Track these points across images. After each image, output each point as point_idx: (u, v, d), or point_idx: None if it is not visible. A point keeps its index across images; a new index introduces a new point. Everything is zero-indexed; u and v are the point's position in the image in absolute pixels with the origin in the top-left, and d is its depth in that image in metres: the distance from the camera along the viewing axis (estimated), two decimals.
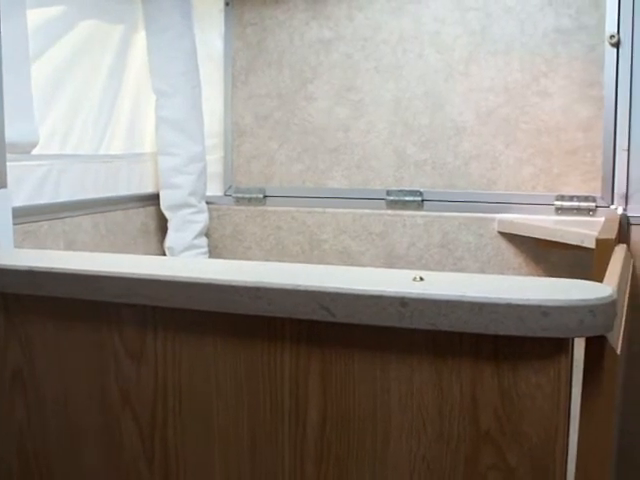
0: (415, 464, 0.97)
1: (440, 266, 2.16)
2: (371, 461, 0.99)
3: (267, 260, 2.31)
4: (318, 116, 2.28)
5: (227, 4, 2.38)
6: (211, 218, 2.39)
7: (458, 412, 0.95)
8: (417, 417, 0.96)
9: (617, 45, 1.99)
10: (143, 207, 2.32)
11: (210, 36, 2.41)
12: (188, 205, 2.31)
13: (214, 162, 2.42)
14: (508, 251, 2.12)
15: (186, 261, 1.47)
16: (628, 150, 2.00)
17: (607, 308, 0.88)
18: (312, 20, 2.27)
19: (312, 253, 2.29)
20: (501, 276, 1.00)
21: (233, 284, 1.00)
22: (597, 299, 0.88)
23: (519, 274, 2.10)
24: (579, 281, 0.96)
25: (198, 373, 1.08)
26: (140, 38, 2.29)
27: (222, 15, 2.40)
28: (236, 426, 1.06)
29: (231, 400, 1.06)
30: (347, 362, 0.98)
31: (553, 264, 2.08)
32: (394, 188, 2.22)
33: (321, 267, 1.11)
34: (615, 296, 0.91)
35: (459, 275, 1.02)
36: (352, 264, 2.24)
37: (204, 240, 2.37)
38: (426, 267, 2.18)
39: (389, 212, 2.22)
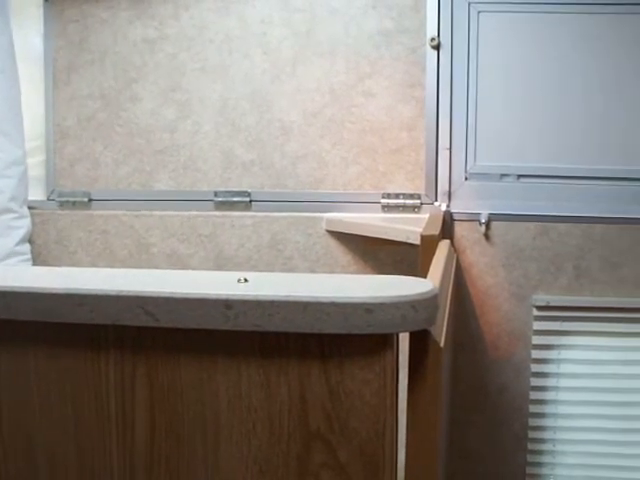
0: (247, 466, 0.97)
1: (270, 266, 2.16)
2: (203, 466, 0.97)
3: (94, 265, 2.24)
4: (144, 117, 2.22)
5: (46, 0, 2.29)
6: (34, 224, 2.29)
7: (287, 412, 0.94)
8: (247, 419, 0.95)
9: (437, 48, 2.06)
10: None
11: (28, 33, 2.30)
12: (9, 210, 2.20)
13: (35, 165, 2.32)
14: (337, 249, 2.15)
15: (4, 268, 1.40)
16: (450, 149, 2.07)
17: (429, 303, 0.90)
18: (136, 19, 2.22)
19: (140, 257, 2.23)
20: (326, 275, 1.01)
21: (53, 292, 0.96)
22: (419, 294, 0.89)
23: (348, 272, 2.13)
24: (402, 277, 0.98)
25: (19, 388, 1.02)
26: None
27: (41, 11, 2.29)
28: (62, 440, 1.01)
29: (56, 414, 1.01)
30: (173, 367, 0.96)
31: (381, 261, 2.12)
32: (222, 189, 2.20)
33: (145, 271, 1.08)
34: (436, 291, 0.93)
35: (284, 275, 1.02)
36: (181, 267, 2.20)
37: (27, 247, 2.26)
38: (256, 268, 2.17)
39: (217, 213, 2.20)
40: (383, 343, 0.91)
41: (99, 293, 0.94)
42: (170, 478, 0.98)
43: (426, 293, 0.90)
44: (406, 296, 0.88)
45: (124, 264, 2.23)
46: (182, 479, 0.98)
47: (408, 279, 0.96)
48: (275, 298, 0.88)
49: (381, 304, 0.87)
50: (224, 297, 0.89)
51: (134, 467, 0.99)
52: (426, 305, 0.90)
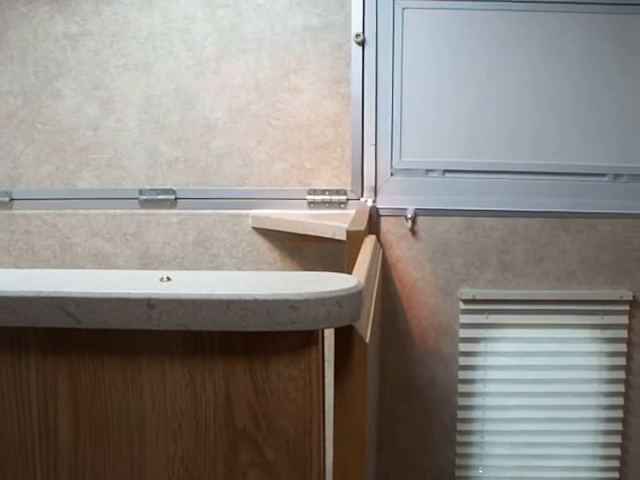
0: (174, 468, 0.95)
1: (196, 264, 2.14)
2: (129, 469, 0.96)
3: (17, 267, 2.19)
4: (66, 114, 2.18)
5: None
6: None
7: (213, 411, 0.93)
8: (172, 420, 0.94)
9: (362, 44, 2.06)
10: None
11: None
12: None
13: None
14: (263, 246, 2.14)
15: None
16: (375, 145, 2.08)
17: (353, 298, 0.90)
18: (57, 14, 2.17)
19: (64, 257, 2.19)
20: (250, 272, 1.00)
21: None
22: (343, 290, 0.89)
23: (275, 269, 2.13)
24: (326, 273, 0.97)
25: None
26: None
27: None
28: None
29: None
30: (96, 369, 0.94)
31: (307, 257, 2.12)
32: (147, 187, 2.17)
33: (65, 271, 1.06)
34: (361, 286, 0.93)
35: (208, 273, 1.01)
36: (107, 267, 2.16)
37: None
38: (182, 266, 2.15)
39: (142, 212, 2.16)
40: (308, 340, 0.91)
41: (18, 294, 0.91)
42: None
43: (350, 289, 0.90)
44: (330, 292, 0.88)
45: (48, 265, 2.19)
46: None
47: (332, 275, 0.96)
48: (198, 296, 0.87)
49: (305, 300, 0.86)
50: (146, 296, 0.88)
51: (58, 472, 0.97)
52: (350, 301, 0.89)
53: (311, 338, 0.91)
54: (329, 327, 0.91)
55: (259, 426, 0.93)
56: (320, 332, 0.93)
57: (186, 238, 2.15)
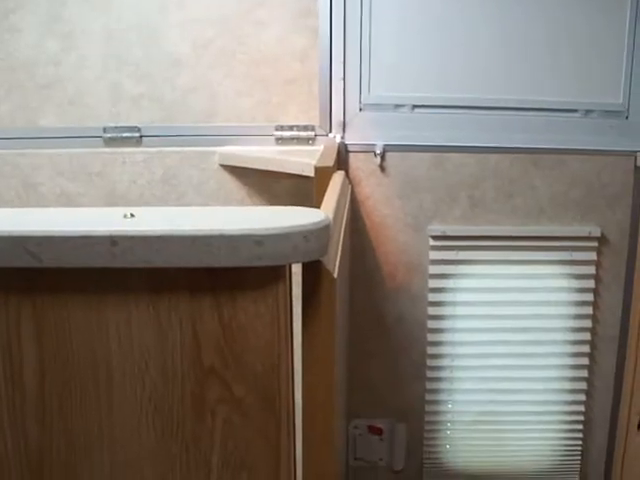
0: (142, 406, 0.94)
1: (163, 202, 2.11)
2: (97, 410, 0.94)
3: None
4: (25, 50, 2.11)
5: None
6: None
7: (180, 349, 0.92)
8: (139, 359, 0.93)
9: None
10: None
11: None
12: None
13: None
14: (231, 184, 2.11)
15: None
16: (344, 80, 2.05)
17: (320, 233, 0.89)
18: None
19: (28, 198, 2.14)
20: (216, 207, 0.98)
21: None
22: (310, 224, 0.88)
23: (243, 206, 2.10)
24: (293, 208, 0.96)
25: None
26: None
27: None
28: None
29: None
30: (61, 309, 0.92)
31: (276, 194, 2.10)
32: (111, 125, 2.12)
33: (26, 210, 1.03)
34: (328, 221, 0.91)
35: (172, 209, 0.99)
36: (72, 207, 2.13)
37: None
38: (149, 205, 2.10)
39: (107, 150, 2.12)
40: (275, 275, 0.89)
41: None
42: (63, 424, 0.95)
43: (318, 223, 0.88)
44: (297, 226, 0.86)
45: (11, 205, 2.14)
46: (75, 424, 0.95)
47: (299, 209, 0.95)
48: (162, 233, 0.85)
49: (271, 235, 0.85)
50: (109, 233, 0.85)
51: (25, 416, 0.96)
52: (318, 235, 0.88)
53: (278, 273, 0.90)
54: (296, 262, 0.90)
55: (227, 363, 0.92)
56: (287, 267, 0.92)
57: (152, 176, 2.11)
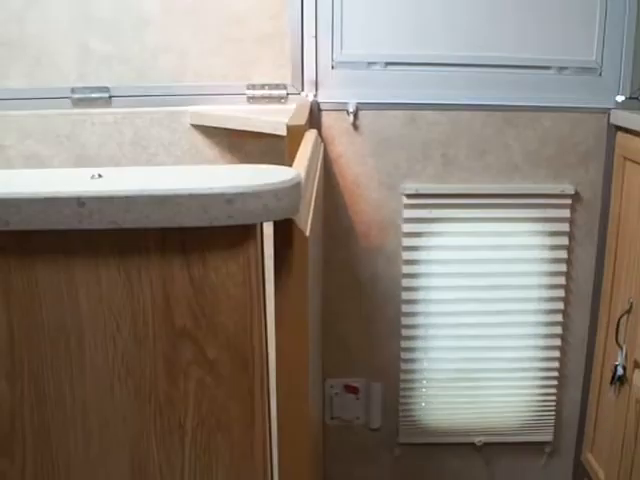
0: (114, 369, 0.93)
1: (134, 164, 2.07)
2: (68, 372, 0.93)
3: None
4: None
5: None
6: None
7: (151, 311, 0.91)
8: (110, 321, 0.92)
9: None
10: None
11: None
12: None
13: None
14: (202, 144, 2.08)
15: None
16: (316, 37, 2.02)
17: (291, 191, 0.88)
18: None
19: None
20: (185, 167, 0.97)
21: None
22: (281, 183, 0.87)
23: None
24: (263, 166, 0.95)
25: None
26: None
27: None
28: None
29: None
30: (29, 272, 0.91)
31: (248, 154, 2.07)
32: (79, 85, 2.08)
33: None
34: (299, 179, 0.90)
35: (141, 169, 0.98)
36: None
37: None
38: (119, 167, 2.08)
39: (76, 111, 2.07)
40: (246, 234, 0.88)
41: None
42: (35, 387, 0.94)
43: (289, 181, 0.87)
44: (268, 184, 0.85)
45: None
46: (47, 388, 0.94)
47: (270, 168, 0.93)
48: (130, 193, 0.83)
49: (242, 194, 0.84)
50: (76, 195, 0.84)
51: None
52: (289, 193, 0.87)
53: (249, 233, 0.89)
54: (267, 221, 0.89)
55: (199, 324, 0.91)
56: (258, 226, 0.91)
57: (123, 138, 2.08)
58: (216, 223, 0.84)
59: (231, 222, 0.85)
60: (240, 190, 0.84)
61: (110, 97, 2.07)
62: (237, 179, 0.87)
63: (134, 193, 0.83)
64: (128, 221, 0.84)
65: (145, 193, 0.83)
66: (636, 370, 1.89)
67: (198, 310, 0.91)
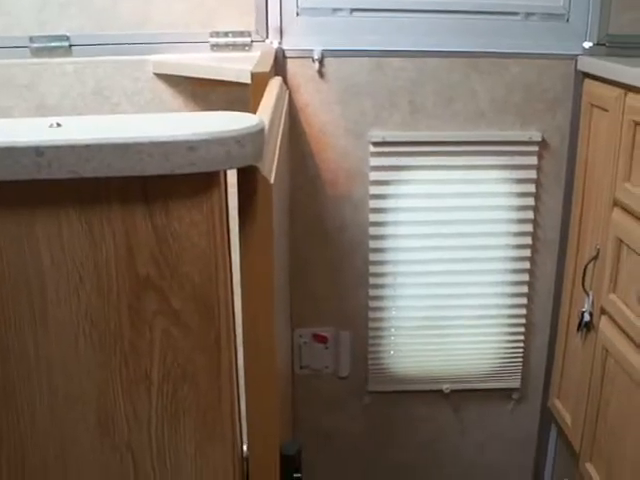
0: (78, 322, 0.92)
1: (96, 114, 2.03)
2: (32, 328, 0.92)
3: None
4: None
5: None
6: None
7: (114, 261, 0.90)
8: (72, 273, 0.90)
9: None
10: None
11: None
12: None
13: None
14: (166, 93, 2.04)
15: None
16: None
17: (255, 138, 0.86)
18: None
19: None
20: (148, 115, 0.94)
21: None
22: (244, 129, 0.85)
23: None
24: (226, 113, 0.93)
25: None
26: None
27: None
28: None
29: None
30: None
31: (212, 102, 2.04)
32: (38, 34, 2.02)
33: None
34: (262, 125, 0.89)
35: (101, 118, 0.95)
36: None
37: None
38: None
39: (35, 61, 2.01)
40: (209, 182, 0.87)
41: None
42: None
43: (251, 127, 0.86)
44: (230, 131, 0.83)
45: None
46: (11, 345, 0.92)
47: (233, 114, 0.92)
48: (90, 141, 0.81)
49: (204, 141, 0.82)
50: (34, 144, 0.82)
51: None
52: (252, 140, 0.85)
53: (212, 180, 0.87)
54: (230, 168, 0.87)
55: (163, 274, 0.90)
56: (222, 174, 0.89)
57: (84, 88, 2.03)
58: (178, 171, 0.83)
59: (194, 170, 0.83)
60: (202, 137, 0.82)
61: (70, 46, 2.02)
62: (199, 126, 0.86)
63: (94, 141, 0.81)
64: (88, 170, 0.82)
65: (105, 141, 0.81)
66: (602, 317, 1.91)
67: (162, 260, 0.90)
